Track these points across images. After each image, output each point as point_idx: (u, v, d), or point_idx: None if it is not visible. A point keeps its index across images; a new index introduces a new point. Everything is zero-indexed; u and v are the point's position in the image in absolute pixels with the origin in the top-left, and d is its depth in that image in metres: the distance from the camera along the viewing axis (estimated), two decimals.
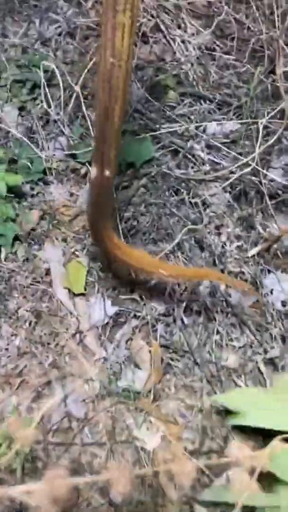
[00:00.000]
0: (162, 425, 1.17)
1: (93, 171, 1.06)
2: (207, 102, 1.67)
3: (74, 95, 1.47)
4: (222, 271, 1.35)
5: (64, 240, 1.39)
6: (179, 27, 1.82)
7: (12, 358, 1.20)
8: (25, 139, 1.41)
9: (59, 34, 1.81)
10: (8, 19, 1.87)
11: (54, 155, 1.55)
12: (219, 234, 1.40)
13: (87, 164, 1.50)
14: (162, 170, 1.47)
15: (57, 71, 1.42)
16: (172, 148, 1.53)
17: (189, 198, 1.46)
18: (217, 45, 1.84)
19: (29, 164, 1.36)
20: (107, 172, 1.06)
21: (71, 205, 1.48)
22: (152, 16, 1.77)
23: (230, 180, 1.40)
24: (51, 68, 1.46)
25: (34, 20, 1.86)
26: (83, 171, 1.52)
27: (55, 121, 1.55)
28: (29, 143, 1.43)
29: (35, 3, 1.91)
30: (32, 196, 1.45)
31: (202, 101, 1.68)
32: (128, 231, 1.41)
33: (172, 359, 1.27)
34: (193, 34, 1.77)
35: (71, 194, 1.51)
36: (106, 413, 1.17)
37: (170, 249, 1.37)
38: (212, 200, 1.44)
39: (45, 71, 1.51)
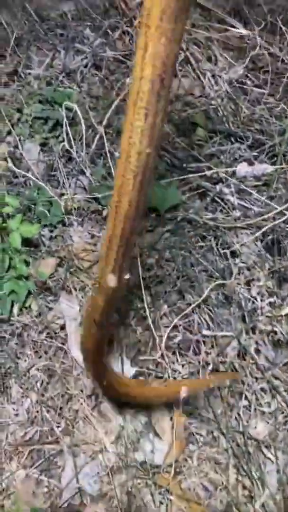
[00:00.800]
0: (183, 505, 1.06)
1: (112, 281, 0.81)
2: (238, 139, 1.57)
3: (98, 135, 1.38)
4: (253, 329, 1.24)
5: (82, 289, 1.30)
6: (210, 60, 1.73)
7: (21, 424, 1.10)
8: (43, 184, 1.32)
9: (85, 66, 1.74)
10: (33, 48, 1.81)
11: (75, 194, 1.47)
12: (249, 287, 1.29)
13: (109, 206, 1.41)
14: (189, 215, 1.37)
15: (79, 112, 1.34)
16: (200, 190, 1.44)
17: (217, 246, 1.36)
18: (249, 78, 1.75)
19: (47, 211, 1.28)
20: (126, 276, 0.83)
21: (91, 248, 1.39)
22: (182, 49, 1.68)
23: (262, 230, 1.29)
24: (74, 108, 1.38)
25: (60, 49, 1.79)
26: (104, 212, 1.44)
27: (77, 159, 1.47)
28: (49, 186, 1.34)
29: (61, 31, 1.84)
30: (51, 238, 1.37)
31: (232, 139, 1.58)
32: (150, 280, 1.32)
33: (195, 427, 1.16)
34: (224, 68, 1.68)
35: (92, 236, 1.42)
36: (122, 488, 1.07)
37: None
38: (242, 249, 1.34)
39: (68, 109, 1.43)
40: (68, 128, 1.37)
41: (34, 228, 1.18)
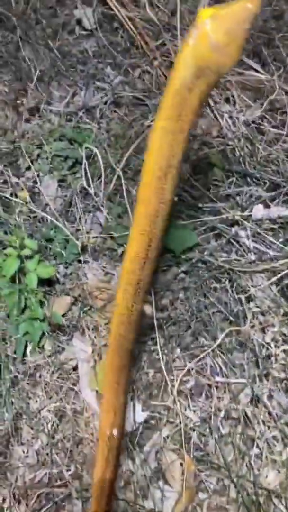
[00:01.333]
0: None
1: (148, 310, 0.93)
2: (254, 180, 1.58)
3: (115, 176, 1.40)
4: (266, 376, 1.23)
5: (96, 328, 1.30)
6: (228, 101, 1.75)
7: (31, 466, 1.10)
8: (60, 224, 1.33)
9: (105, 103, 1.76)
10: (54, 83, 1.84)
11: (91, 229, 1.48)
12: (263, 333, 1.28)
13: (124, 245, 1.42)
14: (204, 257, 1.38)
15: (98, 154, 1.35)
16: (216, 232, 1.44)
17: (231, 288, 1.36)
18: (266, 119, 1.76)
19: (63, 249, 1.29)
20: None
21: (105, 286, 1.40)
22: None
23: (278, 276, 1.29)
24: (93, 151, 1.40)
25: (80, 86, 1.82)
26: (120, 251, 1.45)
27: (94, 197, 1.48)
28: (66, 222, 1.36)
29: (82, 68, 1.88)
30: (65, 275, 1.38)
31: (248, 179, 1.59)
32: (164, 321, 1.32)
33: (206, 475, 1.15)
34: (241, 110, 1.70)
35: (106, 273, 1.43)
36: None
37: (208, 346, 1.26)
38: (256, 293, 1.33)
39: (87, 148, 1.45)
40: (87, 166, 1.39)
41: (50, 269, 1.19)
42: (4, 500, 1.05)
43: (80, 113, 1.72)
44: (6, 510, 1.04)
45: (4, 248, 1.26)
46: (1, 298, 1.19)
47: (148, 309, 0.88)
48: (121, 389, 0.95)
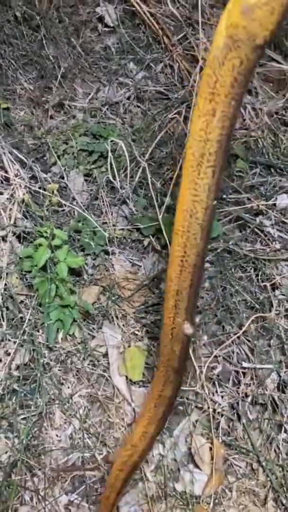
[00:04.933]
0: None
1: (189, 329, 0.84)
2: (278, 171, 1.59)
3: (140, 169, 1.42)
4: None
5: (124, 317, 1.33)
6: (250, 93, 1.76)
7: (64, 449, 1.13)
8: (88, 216, 1.36)
9: (128, 98, 1.79)
10: (78, 80, 1.88)
11: (117, 222, 1.51)
12: None
13: (150, 236, 1.45)
14: (229, 246, 1.40)
15: (124, 147, 1.38)
16: (240, 222, 1.46)
17: (257, 277, 1.37)
18: None
19: (91, 240, 1.32)
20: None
21: (132, 277, 1.42)
22: None
23: None
24: (118, 144, 1.42)
25: (103, 82, 1.86)
26: (145, 242, 1.47)
27: (119, 190, 1.51)
28: (93, 217, 1.39)
29: (105, 64, 1.91)
30: (93, 267, 1.41)
31: (272, 170, 1.60)
32: None
33: (234, 459, 1.17)
34: (264, 102, 1.71)
35: (133, 265, 1.46)
36: None
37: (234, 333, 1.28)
38: (282, 281, 1.35)
39: (112, 141, 1.48)
40: (112, 160, 1.42)
41: (79, 259, 1.22)
42: (39, 481, 1.09)
43: (104, 109, 1.75)
44: (41, 491, 1.07)
45: (34, 239, 1.29)
46: (33, 287, 1.22)
47: (189, 329, 0.81)
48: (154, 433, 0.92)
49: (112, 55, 1.92)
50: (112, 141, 1.42)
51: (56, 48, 1.88)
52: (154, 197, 1.43)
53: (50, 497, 1.07)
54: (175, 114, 1.54)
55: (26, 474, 1.08)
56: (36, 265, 1.18)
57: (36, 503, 1.05)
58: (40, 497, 1.06)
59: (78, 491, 1.10)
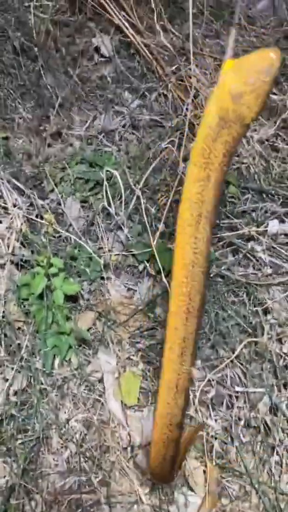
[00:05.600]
0: None
1: (195, 373, 0.85)
2: (269, 197, 1.64)
3: (135, 196, 1.47)
4: (284, 385, 1.28)
5: (119, 342, 1.36)
6: None
7: (61, 473, 1.16)
8: (83, 243, 1.40)
9: (123, 126, 1.84)
10: (75, 108, 1.93)
11: (113, 247, 1.54)
12: (281, 344, 1.33)
13: (145, 262, 1.48)
14: (221, 271, 1.43)
15: (118, 177, 1.42)
16: (233, 247, 1.50)
17: (249, 301, 1.41)
18: (280, 136, 1.83)
19: (87, 267, 1.36)
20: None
21: (127, 302, 1.46)
22: None
23: None
24: (113, 173, 1.47)
25: (100, 110, 1.91)
26: (140, 267, 1.51)
27: (115, 216, 1.55)
28: (89, 243, 1.42)
29: (101, 93, 1.96)
30: (89, 292, 1.44)
31: (264, 196, 1.64)
32: None
33: (228, 482, 1.19)
34: (255, 129, 1.76)
35: (128, 289, 1.49)
36: None
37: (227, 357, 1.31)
38: (273, 305, 1.38)
39: (108, 170, 1.53)
40: (107, 188, 1.46)
41: (75, 286, 1.26)
42: (36, 505, 1.11)
43: (100, 137, 1.80)
44: None
45: (31, 267, 1.33)
46: (30, 314, 1.26)
47: (195, 373, 0.82)
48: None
49: (108, 84, 1.98)
50: (107, 170, 1.47)
51: (54, 77, 1.94)
52: (148, 224, 1.47)
53: None
54: (168, 143, 1.58)
55: (24, 498, 1.10)
56: (33, 293, 1.22)
57: None
58: None
59: None
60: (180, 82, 1.87)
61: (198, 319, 0.77)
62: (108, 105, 1.90)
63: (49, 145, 1.77)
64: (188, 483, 1.17)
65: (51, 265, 1.23)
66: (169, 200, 1.49)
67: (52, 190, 1.62)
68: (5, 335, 1.23)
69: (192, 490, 1.16)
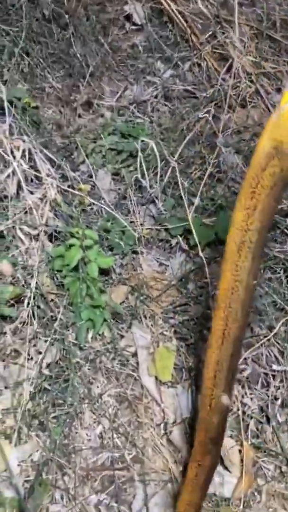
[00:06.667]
0: None
1: (226, 400, 0.81)
2: None
3: (170, 168, 1.42)
4: None
5: (152, 317, 1.33)
6: (279, 91, 1.75)
7: (94, 449, 1.14)
8: (117, 215, 1.37)
9: (155, 97, 1.79)
10: (105, 78, 1.88)
11: (144, 222, 1.51)
12: None
13: (178, 236, 1.44)
14: None
15: (155, 147, 1.38)
16: None
17: (286, 278, 1.36)
18: None
19: (120, 240, 1.32)
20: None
21: (160, 277, 1.42)
22: (252, 81, 1.71)
23: None
24: (148, 144, 1.42)
25: (131, 80, 1.85)
26: (173, 242, 1.47)
27: (148, 189, 1.50)
28: (121, 216, 1.39)
29: (132, 62, 1.90)
30: (121, 266, 1.41)
31: None
32: None
33: (263, 462, 1.16)
34: None
35: (160, 264, 1.46)
36: None
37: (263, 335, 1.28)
38: None
39: (143, 141, 1.48)
40: (142, 161, 1.42)
41: (109, 259, 1.23)
42: (69, 481, 1.09)
43: (132, 107, 1.75)
44: (72, 490, 1.08)
45: (64, 239, 1.30)
46: (63, 286, 1.23)
47: (227, 399, 0.79)
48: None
49: (140, 53, 1.92)
50: (142, 140, 1.42)
51: (84, 46, 1.88)
52: (184, 197, 1.42)
53: (80, 496, 1.08)
54: (205, 113, 1.53)
55: (57, 473, 1.09)
56: (67, 265, 1.19)
57: (66, 502, 1.06)
58: (70, 496, 1.07)
59: (108, 491, 1.10)
60: (214, 50, 1.80)
61: (235, 347, 0.76)
62: (139, 75, 1.85)
63: (79, 116, 1.72)
64: (223, 462, 1.14)
65: (86, 236, 1.20)
66: (207, 174, 1.44)
67: (83, 162, 1.58)
68: (38, 307, 1.21)
69: (227, 469, 1.14)
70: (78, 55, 1.86)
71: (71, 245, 1.20)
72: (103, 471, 1.12)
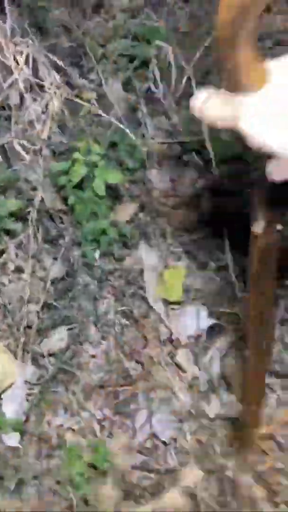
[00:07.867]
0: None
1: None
2: None
3: (186, 77, 1.32)
4: None
5: (163, 235, 1.29)
6: None
7: (99, 365, 1.14)
8: (127, 129, 1.28)
9: None
10: None
11: (155, 135, 1.43)
12: None
13: (192, 153, 1.37)
14: None
15: (171, 52, 1.27)
16: None
17: None
18: None
19: (129, 155, 1.26)
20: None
21: (171, 193, 1.37)
22: None
23: None
24: (162, 50, 1.31)
25: None
26: (186, 158, 1.40)
27: (161, 100, 1.42)
28: (132, 129, 1.31)
29: None
30: (131, 182, 1.35)
31: None
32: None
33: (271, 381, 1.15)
34: None
35: (172, 180, 1.40)
36: (194, 436, 1.09)
37: None
38: None
39: (157, 45, 1.37)
40: (155, 66, 1.32)
41: (117, 175, 1.17)
42: (74, 395, 1.11)
43: (146, 9, 1.62)
44: (76, 405, 1.09)
45: (69, 154, 1.23)
46: (68, 204, 1.19)
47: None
48: None
49: None
50: (157, 45, 1.31)
51: None
52: None
53: (84, 411, 1.09)
54: None
55: (61, 389, 1.10)
56: (71, 181, 1.14)
57: (70, 416, 1.08)
58: (74, 411, 1.08)
59: (111, 407, 1.12)
60: None
61: None
62: None
63: (89, 17, 1.59)
64: (229, 382, 1.14)
65: (91, 151, 1.13)
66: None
67: (92, 68, 1.48)
68: (43, 224, 1.17)
69: (232, 390, 1.13)
70: None
71: (75, 160, 1.14)
72: (108, 386, 1.13)
